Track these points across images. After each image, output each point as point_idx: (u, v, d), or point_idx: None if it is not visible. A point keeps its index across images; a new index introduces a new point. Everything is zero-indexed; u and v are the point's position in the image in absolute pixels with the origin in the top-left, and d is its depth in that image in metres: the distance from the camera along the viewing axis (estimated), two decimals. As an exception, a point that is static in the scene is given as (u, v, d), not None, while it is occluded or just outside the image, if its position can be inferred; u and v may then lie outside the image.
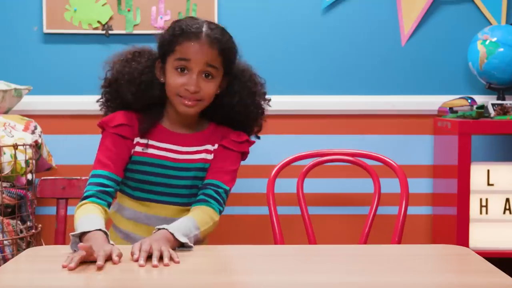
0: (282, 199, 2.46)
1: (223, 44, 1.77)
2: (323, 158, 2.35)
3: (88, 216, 1.61)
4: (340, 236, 2.76)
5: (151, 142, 1.80)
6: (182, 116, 1.80)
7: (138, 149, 1.80)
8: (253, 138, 1.94)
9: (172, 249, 1.46)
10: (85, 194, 1.71)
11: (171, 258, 1.40)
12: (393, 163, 2.21)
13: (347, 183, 2.78)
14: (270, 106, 1.95)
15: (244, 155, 1.89)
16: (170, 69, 1.77)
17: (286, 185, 2.52)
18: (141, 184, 1.81)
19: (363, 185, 2.65)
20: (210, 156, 1.83)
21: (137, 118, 1.82)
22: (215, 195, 1.76)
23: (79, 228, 1.55)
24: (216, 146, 1.84)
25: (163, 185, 1.81)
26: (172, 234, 1.51)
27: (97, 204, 1.68)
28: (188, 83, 1.73)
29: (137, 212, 1.83)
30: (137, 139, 1.80)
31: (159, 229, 1.54)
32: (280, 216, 2.19)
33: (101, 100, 1.91)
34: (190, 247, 1.53)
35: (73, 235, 1.52)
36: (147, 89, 1.81)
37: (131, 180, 1.82)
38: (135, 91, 1.80)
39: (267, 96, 1.93)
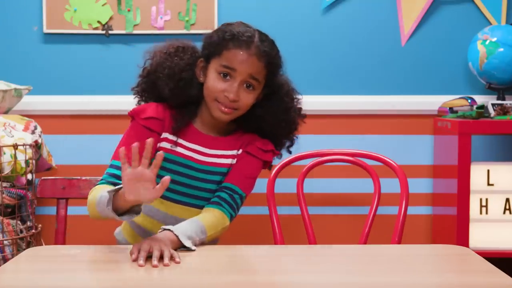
0: (282, 199, 2.46)
1: (271, 58, 1.75)
2: (323, 158, 2.34)
3: (107, 188, 1.57)
4: (340, 236, 2.75)
5: (180, 140, 1.78)
6: (215, 120, 1.78)
7: (165, 145, 1.77)
8: (284, 152, 1.92)
9: (174, 249, 1.45)
10: (98, 183, 1.69)
11: (171, 258, 1.39)
12: (393, 163, 2.21)
13: (347, 183, 2.78)
14: (304, 123, 1.93)
15: (266, 164, 1.86)
16: (212, 71, 1.74)
17: (286, 185, 2.52)
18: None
19: (363, 185, 2.65)
20: (235, 161, 1.81)
21: (170, 113, 1.79)
22: (229, 199, 1.74)
23: (104, 195, 1.51)
24: (240, 151, 1.81)
25: (186, 186, 1.78)
26: (177, 236, 1.50)
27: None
28: (229, 90, 1.71)
29: (154, 209, 1.79)
30: (165, 135, 1.77)
31: (164, 229, 1.53)
32: (280, 216, 2.19)
33: (136, 89, 1.87)
34: (193, 250, 1.52)
35: (107, 192, 1.49)
36: (186, 87, 1.78)
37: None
38: (173, 87, 1.77)
39: (302, 113, 1.91)
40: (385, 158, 2.24)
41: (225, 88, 1.71)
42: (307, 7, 2.75)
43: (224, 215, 1.70)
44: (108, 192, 1.49)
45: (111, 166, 1.72)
